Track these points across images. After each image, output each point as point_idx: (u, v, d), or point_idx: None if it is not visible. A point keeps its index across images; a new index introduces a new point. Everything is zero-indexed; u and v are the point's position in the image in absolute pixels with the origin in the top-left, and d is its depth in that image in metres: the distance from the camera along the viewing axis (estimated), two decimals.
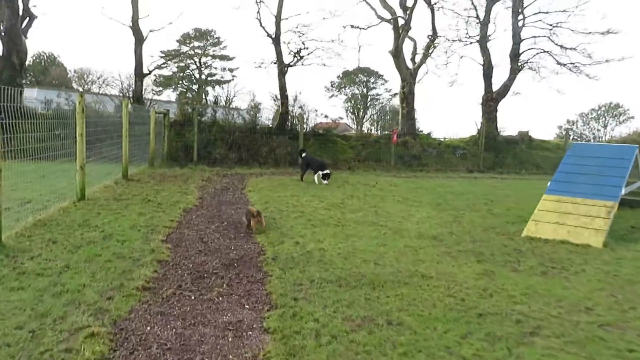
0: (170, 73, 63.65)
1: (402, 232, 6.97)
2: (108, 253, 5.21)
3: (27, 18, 15.98)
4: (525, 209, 9.52)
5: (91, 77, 56.49)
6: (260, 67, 18.78)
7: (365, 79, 67.58)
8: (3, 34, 15.19)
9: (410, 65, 19.94)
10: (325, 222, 7.39)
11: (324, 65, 19.10)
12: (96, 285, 4.25)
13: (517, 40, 19.85)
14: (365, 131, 19.59)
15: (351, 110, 66.69)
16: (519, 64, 20.05)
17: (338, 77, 66.62)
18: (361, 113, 67.07)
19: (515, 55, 19.92)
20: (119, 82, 20.01)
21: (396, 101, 65.31)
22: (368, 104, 67.58)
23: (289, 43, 18.84)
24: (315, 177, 12.09)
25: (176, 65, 64.33)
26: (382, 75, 66.75)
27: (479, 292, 4.51)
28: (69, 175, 9.65)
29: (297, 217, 7.62)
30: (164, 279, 4.62)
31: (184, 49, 62.57)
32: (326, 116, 19.83)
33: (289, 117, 18.34)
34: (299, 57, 18.51)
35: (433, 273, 5.03)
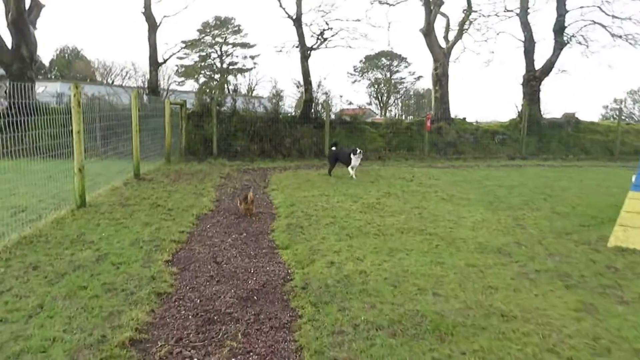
0: (192, 63, 63.35)
1: (457, 243, 5.71)
2: (96, 284, 4.15)
3: (34, 7, 15.12)
4: (594, 205, 8.12)
5: (114, 69, 56.41)
6: (281, 51, 17.57)
7: (388, 63, 65.86)
8: (10, 25, 14.36)
9: (443, 44, 18.36)
10: (363, 230, 6.20)
11: (350, 47, 17.75)
12: (69, 340, 3.18)
13: (562, 11, 17.98)
14: (395, 117, 17.71)
15: (374, 96, 65.04)
16: (565, 38, 18.20)
17: (360, 61, 65.03)
18: (385, 98, 65.31)
19: (560, 28, 18.06)
20: (134, 72, 19.01)
21: (421, 84, 63.33)
22: (392, 89, 65.80)
23: (311, 25, 17.53)
24: (350, 169, 10.87)
25: (197, 54, 63.96)
26: (406, 59, 64.78)
27: (590, 345, 3.25)
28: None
29: (329, 225, 6.45)
30: (161, 324, 3.52)
31: (205, 37, 62.04)
32: (351, 103, 18.50)
33: (313, 105, 17.09)
34: (322, 39, 17.19)
35: (515, 309, 3.79)
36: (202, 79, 62.32)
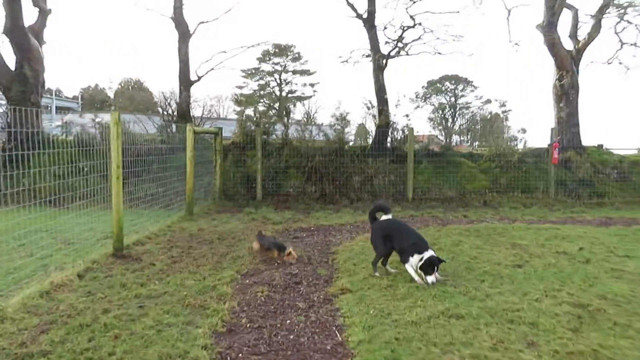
0: (251, 92, 62.14)
1: None
2: None
3: (39, 15, 12.15)
4: None
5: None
6: (346, 62, 13.51)
7: (452, 87, 62.42)
8: (7, 36, 11.36)
9: (569, 45, 13.51)
10: None
11: (438, 53, 13.31)
12: None
13: None
14: (503, 145, 12.94)
15: (438, 122, 60.71)
16: None
17: (423, 87, 61.73)
18: (450, 124, 60.86)
19: None
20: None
21: (490, 107, 57.59)
22: (457, 114, 61.83)
23: (385, 28, 13.35)
24: (408, 267, 5.06)
25: (256, 82, 62.88)
26: (472, 82, 61.05)
27: None
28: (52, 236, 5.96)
29: None
30: None
31: (264, 66, 60.84)
32: (448, 127, 13.98)
33: (391, 131, 12.77)
34: (402, 45, 12.94)
35: None
36: (260, 108, 60.76)
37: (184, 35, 13.01)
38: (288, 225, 8.45)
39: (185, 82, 13.17)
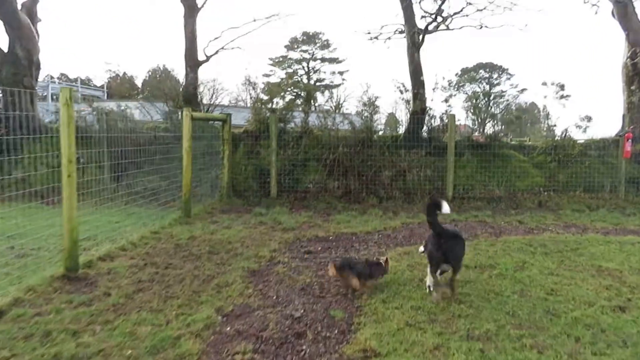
0: (279, 80, 61.03)
1: None
2: None
3: None
4: None
5: (203, 87, 55.14)
6: (376, 38, 11.72)
7: (487, 75, 60.39)
8: None
9: None
10: None
11: (485, 27, 11.36)
12: None
13: None
14: (562, 135, 10.91)
15: (472, 111, 58.38)
16: None
17: (456, 74, 59.62)
18: (484, 114, 58.42)
19: None
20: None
21: (525, 97, 54.55)
22: (491, 103, 59.53)
23: (421, 0, 11.48)
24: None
25: (284, 71, 61.83)
26: (507, 70, 58.81)
27: None
28: None
29: None
30: None
31: (292, 54, 59.78)
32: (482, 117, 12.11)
33: (427, 119, 10.98)
34: (440, 19, 11.05)
35: None
36: (289, 97, 59.52)
37: (191, 9, 11.52)
38: (301, 233, 6.83)
39: (192, 63, 11.71)
